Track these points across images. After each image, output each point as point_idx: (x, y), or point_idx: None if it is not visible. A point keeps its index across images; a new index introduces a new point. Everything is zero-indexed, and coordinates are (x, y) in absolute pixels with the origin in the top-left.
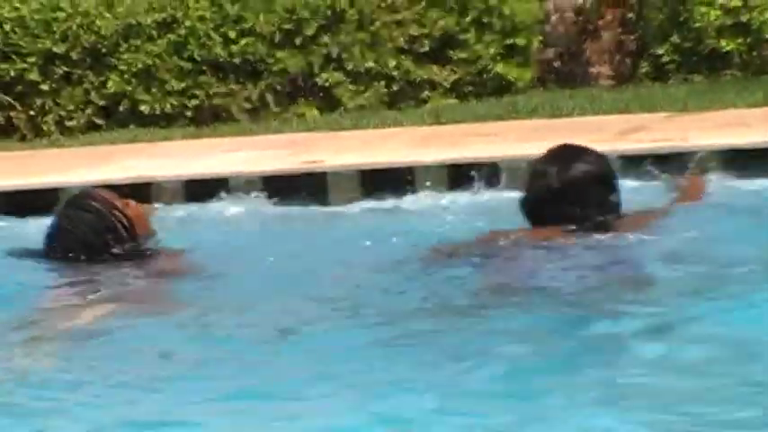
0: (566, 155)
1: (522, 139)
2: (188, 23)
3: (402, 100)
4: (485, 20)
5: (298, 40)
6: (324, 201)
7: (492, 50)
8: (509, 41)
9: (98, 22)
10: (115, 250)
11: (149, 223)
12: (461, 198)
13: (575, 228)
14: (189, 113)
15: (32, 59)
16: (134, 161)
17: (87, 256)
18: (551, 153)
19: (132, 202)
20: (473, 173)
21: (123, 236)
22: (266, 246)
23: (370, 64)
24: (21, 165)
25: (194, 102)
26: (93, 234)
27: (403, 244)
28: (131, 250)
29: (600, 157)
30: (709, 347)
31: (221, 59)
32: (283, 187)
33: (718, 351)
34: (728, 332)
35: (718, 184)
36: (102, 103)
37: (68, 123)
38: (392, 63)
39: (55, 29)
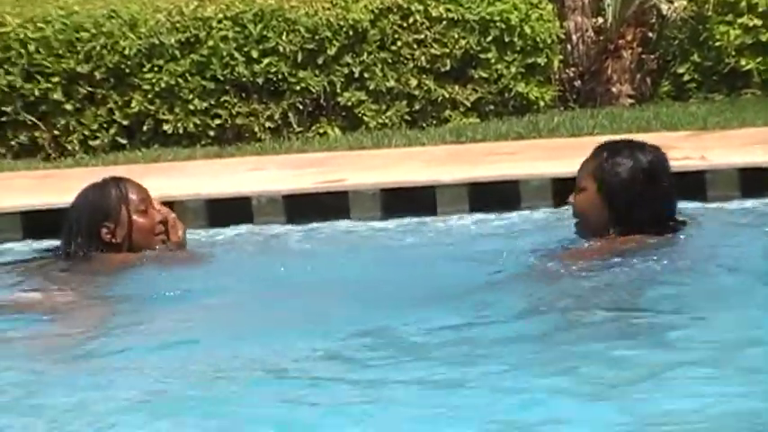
0: (633, 145)
1: (543, 157)
2: (211, 43)
3: (424, 119)
4: (506, 39)
5: (320, 60)
6: (345, 219)
7: (513, 70)
8: (530, 60)
9: (121, 43)
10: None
11: (153, 239)
12: (482, 217)
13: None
14: (212, 133)
15: (56, 79)
16: (157, 180)
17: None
18: (618, 146)
19: (159, 214)
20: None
21: (118, 233)
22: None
23: (392, 83)
24: (43, 184)
25: (217, 121)
26: (90, 215)
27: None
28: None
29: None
30: None
31: (244, 79)
32: (305, 206)
33: None
34: None
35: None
36: (125, 122)
37: (92, 143)
38: (414, 82)
39: (78, 49)
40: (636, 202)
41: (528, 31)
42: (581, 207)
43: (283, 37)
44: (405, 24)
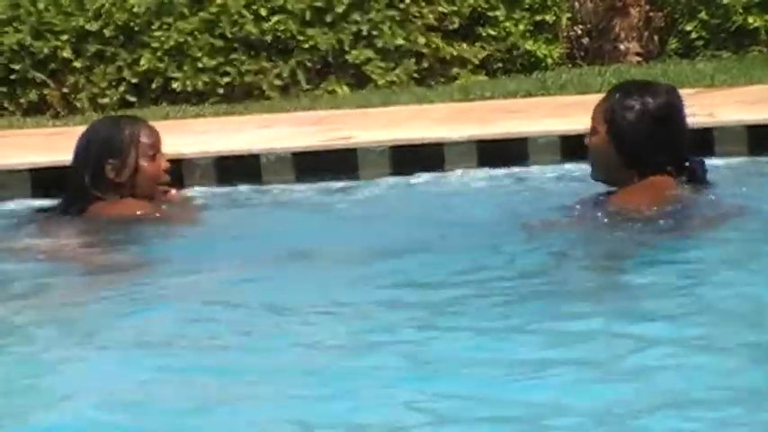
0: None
1: (551, 114)
2: (219, 1)
3: (432, 77)
4: None
5: (328, 18)
6: (353, 177)
7: (521, 27)
8: (538, 18)
9: (131, 0)
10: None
11: (155, 188)
12: (493, 173)
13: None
14: (220, 91)
15: (65, 37)
16: (166, 137)
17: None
18: (630, 88)
19: (165, 162)
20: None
21: (123, 172)
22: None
23: (400, 41)
24: (52, 141)
25: (226, 79)
26: (99, 148)
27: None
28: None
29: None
30: None
31: (253, 37)
32: (314, 163)
33: None
34: None
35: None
36: (134, 80)
37: (101, 101)
38: (422, 40)
39: (88, 7)
40: (644, 144)
41: None
42: (593, 149)
43: None
44: None
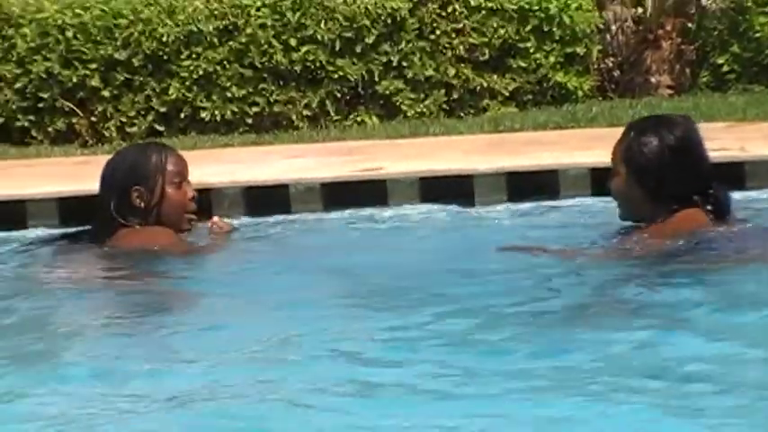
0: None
1: (581, 147)
2: (249, 31)
3: (461, 108)
4: (545, 28)
5: (358, 48)
6: (383, 207)
7: (552, 59)
8: (569, 50)
9: (159, 29)
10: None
11: (182, 216)
12: (519, 206)
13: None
14: (249, 120)
15: (94, 66)
16: (194, 168)
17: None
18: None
19: (191, 191)
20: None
21: (149, 199)
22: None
23: (430, 72)
24: (80, 171)
25: (255, 109)
26: (125, 174)
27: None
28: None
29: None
30: None
31: (282, 67)
32: (343, 194)
33: None
34: None
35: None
36: (162, 109)
37: (129, 129)
38: (452, 71)
39: (117, 35)
40: (666, 177)
41: (567, 20)
42: (617, 191)
43: (321, 25)
44: (443, 13)
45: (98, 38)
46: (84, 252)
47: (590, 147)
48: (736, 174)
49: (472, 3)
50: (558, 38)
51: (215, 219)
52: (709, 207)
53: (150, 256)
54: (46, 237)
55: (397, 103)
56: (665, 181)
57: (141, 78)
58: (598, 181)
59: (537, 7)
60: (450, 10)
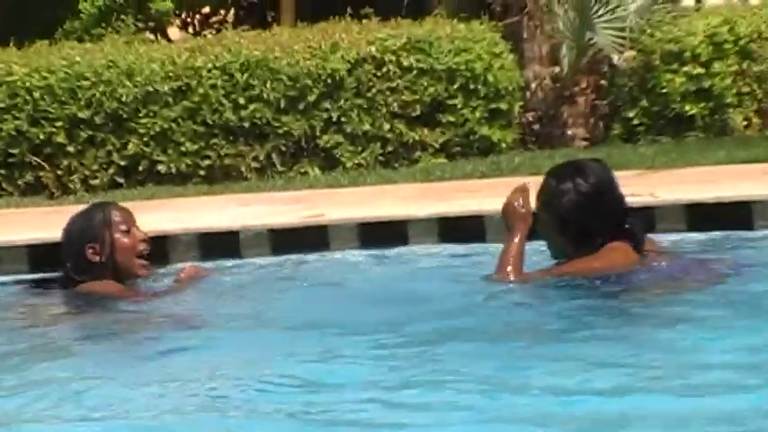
0: (574, 169)
1: (505, 194)
2: (201, 91)
3: (396, 160)
4: (471, 87)
5: (301, 106)
6: (325, 251)
7: (477, 114)
8: (493, 106)
9: (119, 90)
10: (95, 261)
11: (134, 261)
12: (451, 249)
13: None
14: (202, 172)
15: (59, 124)
16: (152, 216)
17: (72, 266)
18: (561, 173)
19: (140, 232)
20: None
21: (103, 251)
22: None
23: (367, 127)
24: (47, 220)
25: (207, 162)
26: (77, 238)
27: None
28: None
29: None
30: None
31: (232, 123)
32: (288, 239)
33: None
34: None
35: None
36: (123, 163)
37: (92, 182)
38: (387, 126)
39: (80, 96)
40: (586, 220)
41: (491, 79)
42: (542, 233)
43: (267, 85)
44: (379, 73)
45: (63, 98)
46: (59, 297)
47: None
48: (647, 217)
49: (404, 63)
50: (483, 95)
51: (188, 265)
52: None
53: (110, 302)
54: (13, 285)
55: (337, 156)
56: (585, 225)
57: (103, 135)
58: None
59: (464, 67)
60: (384, 70)
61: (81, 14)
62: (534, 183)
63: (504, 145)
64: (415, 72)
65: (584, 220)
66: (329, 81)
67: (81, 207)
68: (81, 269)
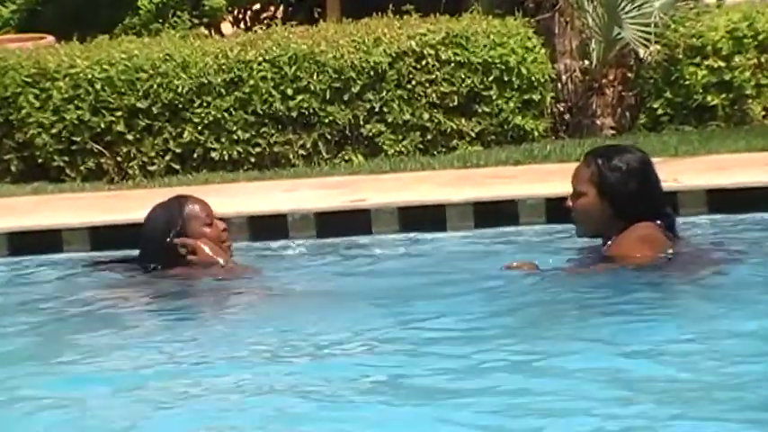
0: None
1: (537, 180)
2: (252, 82)
3: (435, 147)
4: (505, 78)
5: (345, 96)
6: (367, 234)
7: (511, 105)
8: (526, 97)
9: (175, 82)
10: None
11: (220, 247)
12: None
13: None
14: (253, 159)
15: (119, 113)
16: (207, 200)
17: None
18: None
19: (222, 223)
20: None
21: (189, 245)
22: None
23: (407, 116)
24: (107, 204)
25: (257, 149)
26: (162, 232)
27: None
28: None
29: None
30: None
31: (280, 113)
32: (333, 221)
33: None
34: None
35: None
36: (178, 150)
37: (150, 168)
38: (426, 116)
39: (138, 87)
40: (635, 198)
41: (524, 71)
42: (583, 210)
43: (314, 77)
44: (418, 66)
45: (122, 89)
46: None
47: (545, 180)
48: (671, 202)
49: (443, 57)
50: (516, 87)
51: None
52: (660, 223)
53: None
54: (84, 260)
55: (379, 144)
56: (633, 200)
57: (160, 124)
58: (552, 209)
59: (498, 60)
60: (424, 63)
61: (139, 11)
62: (565, 169)
63: (536, 134)
64: (452, 65)
65: (633, 194)
66: (372, 73)
67: (139, 192)
68: (162, 258)
